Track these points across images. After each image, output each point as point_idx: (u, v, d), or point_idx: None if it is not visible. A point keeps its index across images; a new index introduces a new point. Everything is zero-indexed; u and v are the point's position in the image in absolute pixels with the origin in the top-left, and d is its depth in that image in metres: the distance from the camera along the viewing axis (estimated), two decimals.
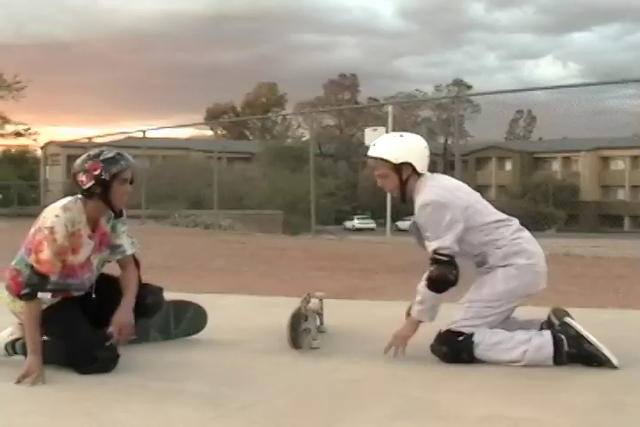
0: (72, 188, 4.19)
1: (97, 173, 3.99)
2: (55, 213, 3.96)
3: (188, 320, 4.81)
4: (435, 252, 4.15)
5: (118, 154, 4.07)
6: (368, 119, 51.46)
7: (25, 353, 4.02)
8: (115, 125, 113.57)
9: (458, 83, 72.57)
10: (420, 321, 4.25)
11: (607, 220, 45.62)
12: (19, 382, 3.74)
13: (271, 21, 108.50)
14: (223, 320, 5.20)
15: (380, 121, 32.54)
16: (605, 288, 7.22)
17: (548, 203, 42.77)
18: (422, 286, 4.20)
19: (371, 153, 4.35)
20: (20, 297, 3.92)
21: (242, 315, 5.83)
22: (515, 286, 4.21)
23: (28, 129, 33.89)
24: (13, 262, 4.14)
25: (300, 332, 4.51)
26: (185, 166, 33.50)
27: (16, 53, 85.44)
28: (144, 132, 22.08)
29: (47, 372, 3.82)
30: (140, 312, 4.23)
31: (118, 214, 4.20)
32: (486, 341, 4.15)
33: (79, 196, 4.09)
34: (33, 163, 47.26)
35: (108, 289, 4.25)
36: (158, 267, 8.20)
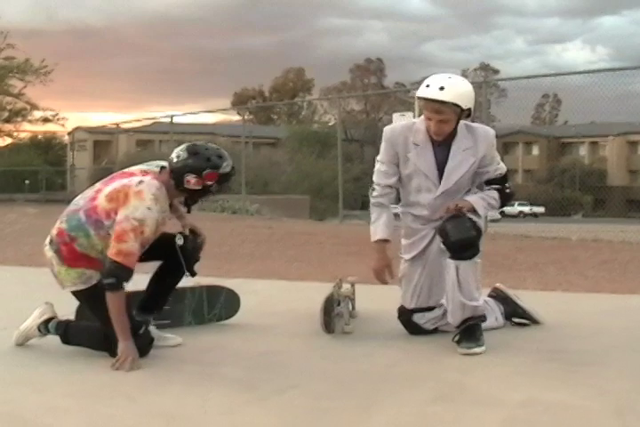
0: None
1: (210, 183, 4.00)
2: (147, 206, 3.82)
3: (221, 305, 4.85)
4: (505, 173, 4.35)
5: (233, 167, 4.11)
6: (394, 104, 51.24)
7: (57, 333, 4.10)
8: (142, 110, 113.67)
9: (484, 67, 72.12)
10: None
11: (635, 205, 45.14)
12: (117, 368, 3.74)
13: (299, 6, 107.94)
14: (255, 305, 5.24)
15: (406, 106, 32.38)
16: (635, 273, 7.19)
17: (574, 188, 42.42)
18: (497, 195, 4.27)
19: (440, 97, 3.98)
20: (102, 286, 3.81)
21: (273, 300, 5.87)
22: None
23: (56, 115, 33.97)
24: (65, 226, 3.96)
25: (333, 316, 4.52)
26: None
27: (47, 39, 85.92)
28: (172, 117, 22.13)
29: (86, 357, 3.87)
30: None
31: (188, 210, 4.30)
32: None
33: (158, 172, 4.05)
34: (60, 148, 47.40)
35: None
36: None
